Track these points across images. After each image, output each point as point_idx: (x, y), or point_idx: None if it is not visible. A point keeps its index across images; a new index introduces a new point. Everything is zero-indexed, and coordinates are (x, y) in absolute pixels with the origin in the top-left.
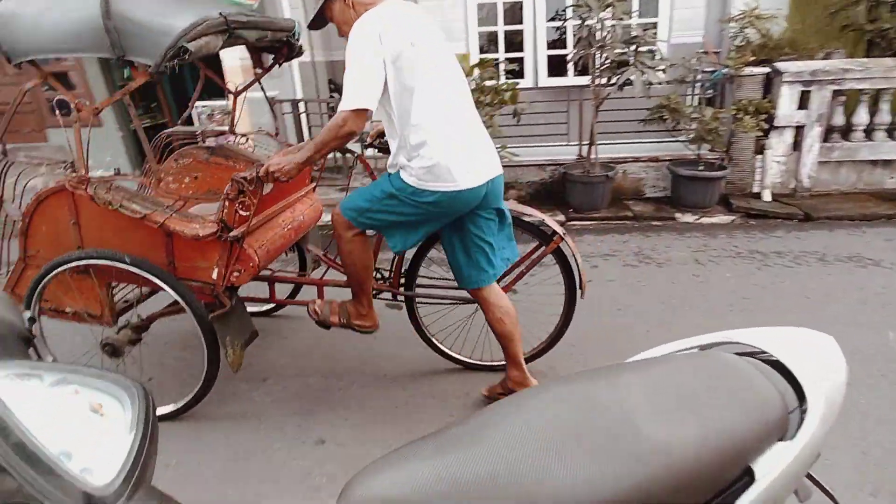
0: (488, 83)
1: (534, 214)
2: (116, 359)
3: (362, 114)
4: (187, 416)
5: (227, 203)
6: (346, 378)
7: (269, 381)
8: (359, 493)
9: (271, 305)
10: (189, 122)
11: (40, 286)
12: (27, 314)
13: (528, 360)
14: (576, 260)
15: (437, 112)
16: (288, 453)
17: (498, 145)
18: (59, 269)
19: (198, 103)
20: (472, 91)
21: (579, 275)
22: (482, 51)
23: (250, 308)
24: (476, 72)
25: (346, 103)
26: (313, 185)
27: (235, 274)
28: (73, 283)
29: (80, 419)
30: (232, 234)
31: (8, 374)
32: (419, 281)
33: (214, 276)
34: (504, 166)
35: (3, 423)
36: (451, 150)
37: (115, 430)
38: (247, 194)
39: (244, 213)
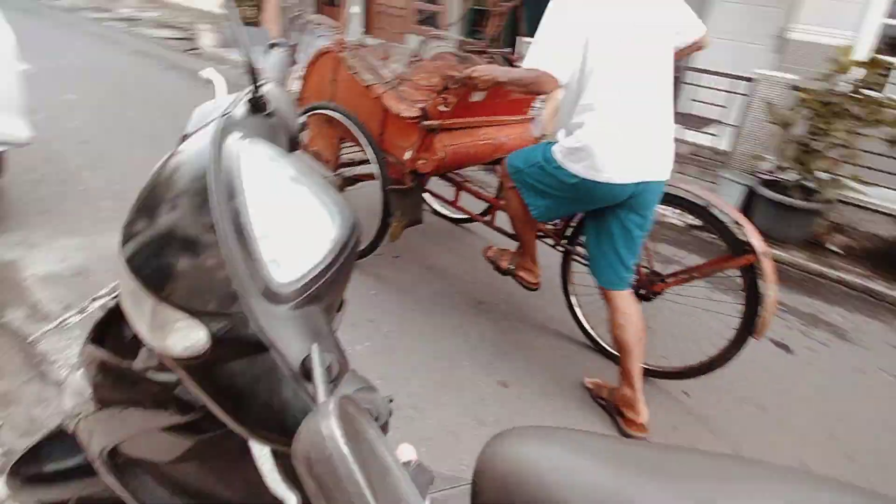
0: (868, 92)
1: (733, 215)
2: (343, 191)
3: (554, 81)
4: (415, 306)
5: (434, 95)
6: (559, 340)
7: (483, 306)
8: (518, 449)
9: (466, 216)
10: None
11: None
12: (301, 119)
13: (657, 375)
14: (767, 291)
15: (611, 100)
16: (471, 377)
17: (845, 174)
18: (309, 113)
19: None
20: (843, 96)
21: (763, 310)
22: (879, 51)
23: (453, 214)
24: (856, 71)
25: (538, 60)
26: (530, 117)
27: (421, 161)
28: (319, 129)
29: (294, 218)
30: (427, 122)
31: (263, 153)
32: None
33: (406, 156)
34: (841, 201)
35: (233, 188)
36: (607, 139)
37: (316, 241)
38: (450, 91)
39: (443, 108)
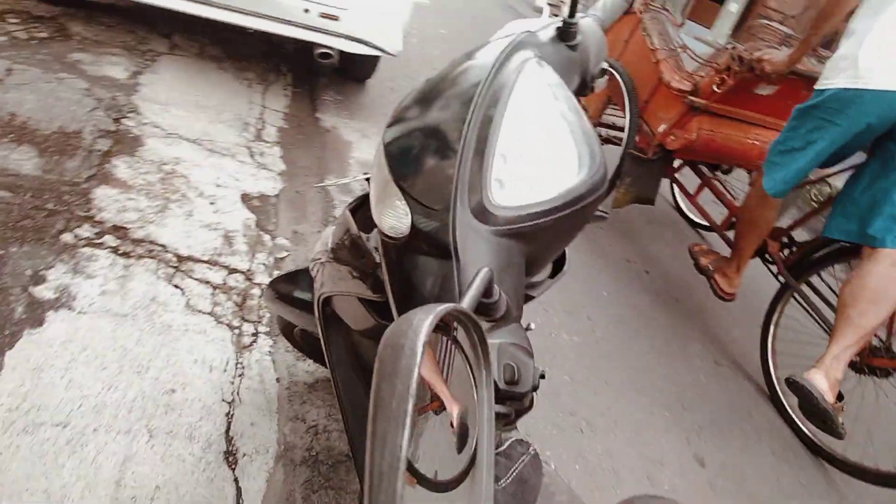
0: None
1: None
2: None
3: None
4: (644, 328)
5: (712, 70)
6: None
7: (721, 368)
8: None
9: (704, 223)
10: None
11: None
12: (604, 65)
13: (865, 477)
14: None
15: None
16: (665, 433)
17: None
18: None
19: None
20: None
21: None
22: None
23: (692, 215)
24: None
25: None
26: None
27: (671, 137)
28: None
29: (542, 149)
30: (693, 98)
31: (544, 77)
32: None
33: (660, 129)
34: None
35: (497, 99)
36: (874, 41)
37: (552, 181)
38: (731, 73)
39: (716, 89)
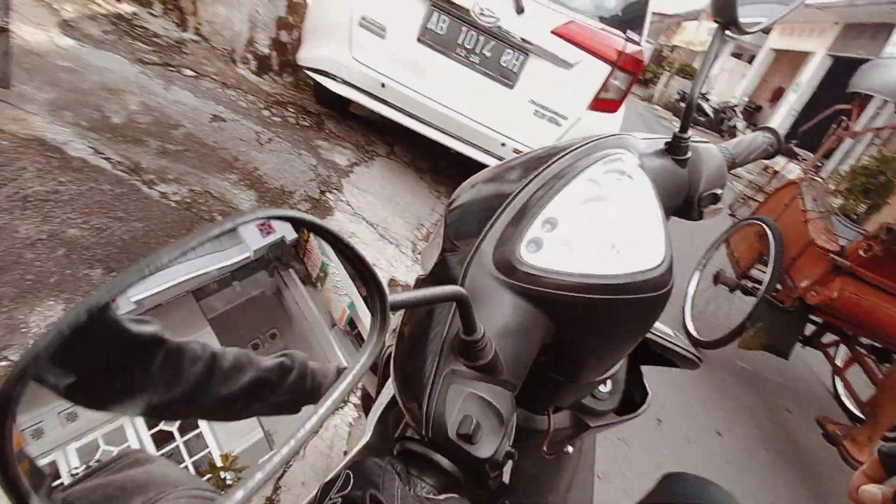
0: None
1: None
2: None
3: None
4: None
5: (862, 235)
6: None
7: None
8: None
9: (857, 412)
10: None
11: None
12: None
13: None
14: None
15: None
16: None
17: None
18: (751, 221)
19: None
20: None
21: None
22: None
23: (850, 404)
24: None
25: None
26: None
27: (812, 293)
28: (751, 238)
29: (601, 229)
30: (835, 257)
31: (621, 172)
32: None
33: (803, 283)
34: None
35: (568, 172)
36: None
37: (597, 260)
38: (879, 241)
39: (862, 254)
